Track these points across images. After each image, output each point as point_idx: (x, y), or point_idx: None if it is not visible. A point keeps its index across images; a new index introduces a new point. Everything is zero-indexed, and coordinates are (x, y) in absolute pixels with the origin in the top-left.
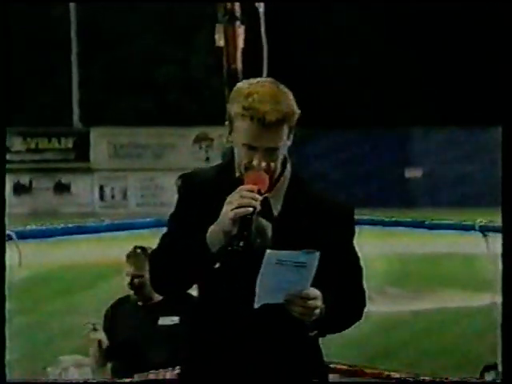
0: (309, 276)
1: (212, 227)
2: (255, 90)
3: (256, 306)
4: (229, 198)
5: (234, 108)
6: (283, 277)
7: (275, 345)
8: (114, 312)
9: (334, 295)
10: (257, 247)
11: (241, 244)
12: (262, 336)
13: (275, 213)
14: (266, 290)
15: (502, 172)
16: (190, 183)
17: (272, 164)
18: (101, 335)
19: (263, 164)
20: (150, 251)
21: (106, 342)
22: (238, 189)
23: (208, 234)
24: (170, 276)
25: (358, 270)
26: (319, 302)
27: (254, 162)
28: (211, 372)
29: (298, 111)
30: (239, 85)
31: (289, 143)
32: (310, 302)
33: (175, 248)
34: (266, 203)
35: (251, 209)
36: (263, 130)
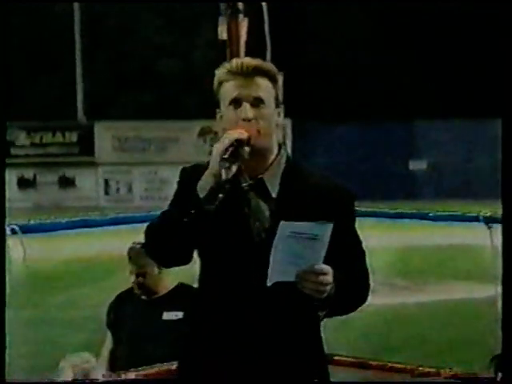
0: (322, 249)
1: (202, 176)
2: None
3: (269, 283)
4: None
5: (218, 77)
6: (296, 250)
7: (277, 334)
8: (116, 308)
9: (341, 275)
10: (255, 230)
11: (227, 165)
12: (264, 326)
13: (273, 194)
14: (280, 265)
15: (501, 164)
16: (186, 177)
17: (261, 122)
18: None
19: (250, 114)
20: None
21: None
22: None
23: (198, 183)
24: (164, 237)
25: (361, 253)
26: (330, 278)
27: (242, 114)
28: (211, 359)
29: (280, 73)
30: None
31: (279, 118)
32: (322, 277)
33: (168, 210)
34: (262, 185)
35: (236, 135)
36: (245, 79)
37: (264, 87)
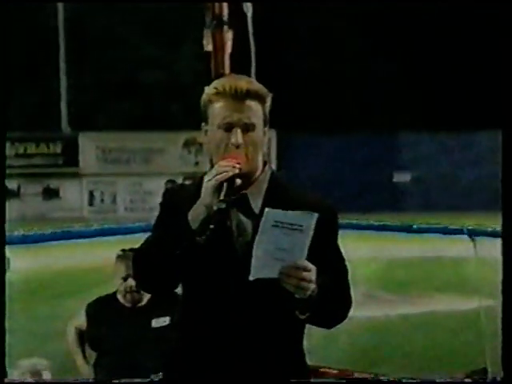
0: (305, 241)
1: (194, 206)
2: (226, 76)
3: (251, 278)
4: (207, 174)
5: (207, 94)
6: (280, 241)
7: (259, 338)
8: (97, 313)
9: (324, 278)
10: (239, 245)
11: (223, 206)
12: (247, 331)
13: (256, 210)
14: (263, 257)
15: (501, 176)
16: (170, 199)
17: (250, 147)
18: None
19: (240, 140)
20: None
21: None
22: (216, 165)
23: (190, 212)
24: (156, 267)
25: (344, 270)
26: (313, 276)
27: (232, 140)
28: (195, 368)
29: (270, 94)
30: None
31: (265, 138)
32: (306, 273)
33: (158, 237)
34: (245, 201)
35: (230, 173)
36: (237, 103)
37: (255, 111)
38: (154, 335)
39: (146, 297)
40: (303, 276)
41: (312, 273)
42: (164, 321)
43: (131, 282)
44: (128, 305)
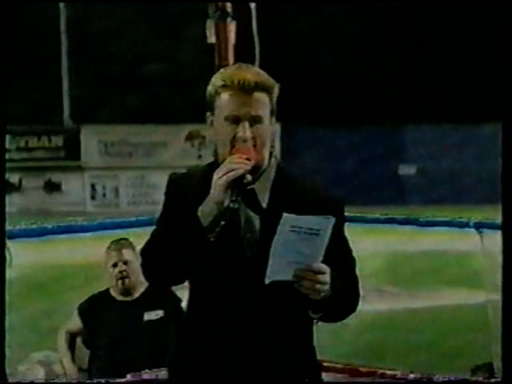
0: (322, 245)
1: (204, 202)
2: (232, 65)
3: (267, 281)
4: (217, 170)
5: (214, 85)
6: (296, 245)
7: (270, 340)
8: (90, 311)
9: (336, 277)
10: (246, 243)
11: (236, 206)
12: (258, 333)
13: (263, 205)
14: (279, 262)
15: (501, 169)
16: (174, 186)
17: (258, 140)
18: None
19: (248, 133)
20: (131, 241)
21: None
22: (226, 160)
23: (200, 208)
24: (165, 261)
25: (352, 261)
26: (328, 278)
27: (240, 133)
28: (204, 365)
29: (277, 85)
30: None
31: (272, 129)
32: (320, 276)
33: (167, 232)
34: (252, 195)
35: (241, 170)
36: (245, 96)
37: (262, 103)
38: (147, 328)
39: (138, 288)
40: (318, 279)
41: (327, 275)
42: (156, 314)
43: (121, 267)
44: (121, 297)
